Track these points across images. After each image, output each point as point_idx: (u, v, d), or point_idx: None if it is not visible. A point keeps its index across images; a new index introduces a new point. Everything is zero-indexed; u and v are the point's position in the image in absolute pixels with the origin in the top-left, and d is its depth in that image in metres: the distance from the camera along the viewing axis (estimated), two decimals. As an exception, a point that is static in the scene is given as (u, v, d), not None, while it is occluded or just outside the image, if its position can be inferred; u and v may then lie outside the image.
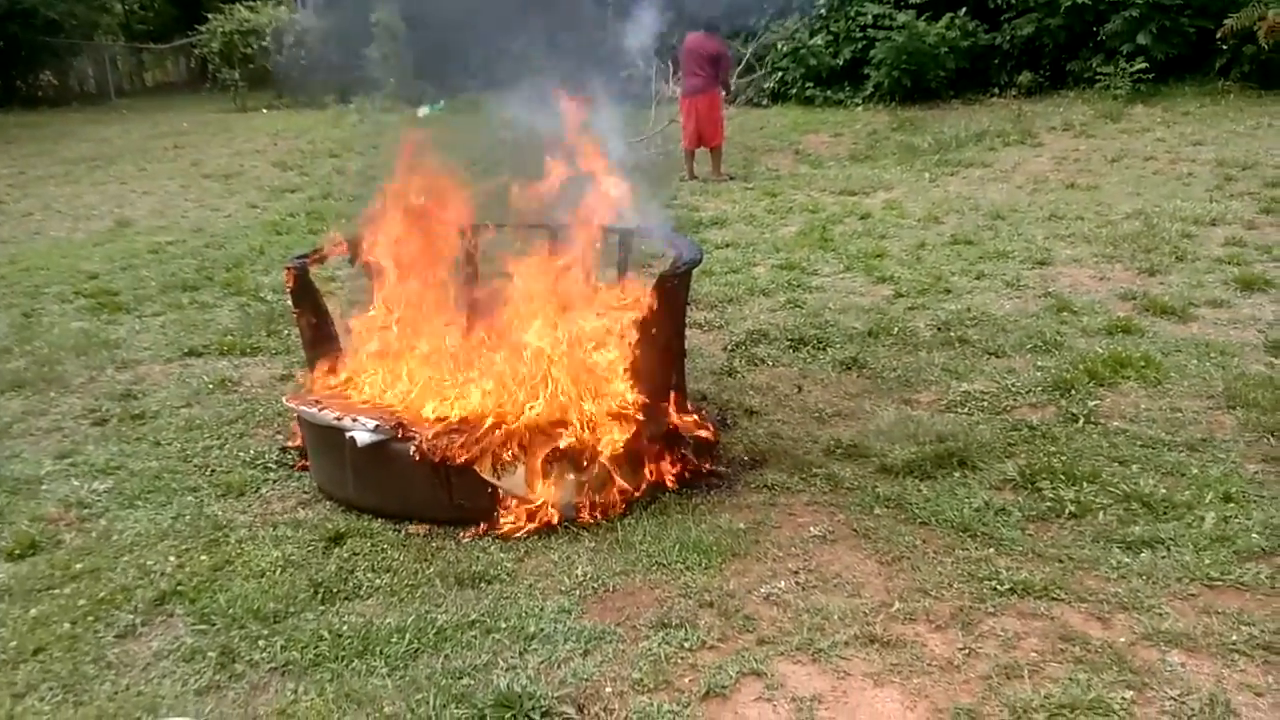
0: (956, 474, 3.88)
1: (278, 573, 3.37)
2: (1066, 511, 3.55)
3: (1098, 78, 13.36)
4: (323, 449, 3.92)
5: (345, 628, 3.03)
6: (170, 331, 6.24)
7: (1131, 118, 12.09)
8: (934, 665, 2.77)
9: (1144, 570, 3.16)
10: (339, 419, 3.74)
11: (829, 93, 15.23)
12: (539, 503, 3.60)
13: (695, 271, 4.05)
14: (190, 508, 3.88)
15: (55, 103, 23.21)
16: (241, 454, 4.38)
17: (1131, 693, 2.61)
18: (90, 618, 3.16)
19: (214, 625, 3.09)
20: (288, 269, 4.27)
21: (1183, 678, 2.67)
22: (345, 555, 3.48)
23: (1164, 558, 3.22)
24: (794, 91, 15.47)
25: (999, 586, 3.10)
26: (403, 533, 3.63)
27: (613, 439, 3.68)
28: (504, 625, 3.02)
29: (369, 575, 3.35)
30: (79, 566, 3.47)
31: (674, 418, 3.94)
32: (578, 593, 3.20)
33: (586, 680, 2.76)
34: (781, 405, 4.70)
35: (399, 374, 4.07)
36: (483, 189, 4.45)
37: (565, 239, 4.25)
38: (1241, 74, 12.67)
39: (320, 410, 3.86)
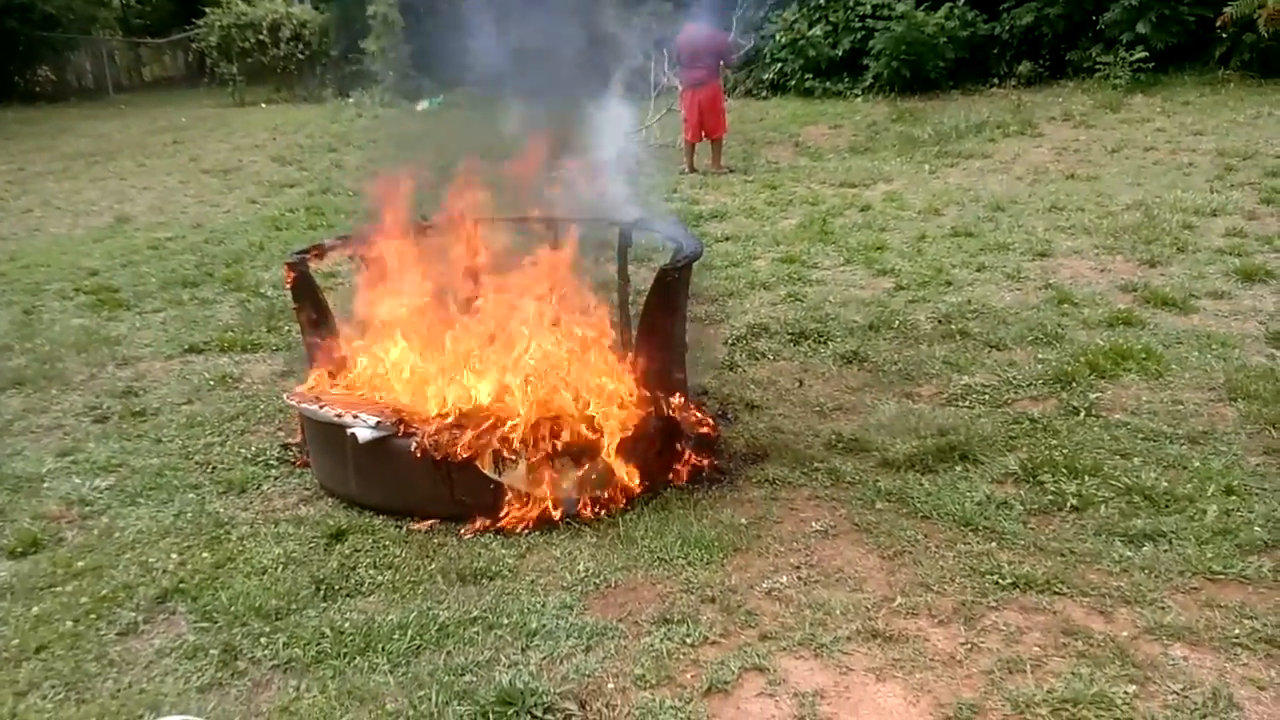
0: (958, 468, 3.88)
1: (279, 570, 3.38)
2: (1068, 505, 3.54)
3: (1097, 67, 13.35)
4: (324, 446, 3.91)
5: (347, 624, 3.04)
6: (171, 328, 6.24)
7: (1131, 107, 12.07)
8: (936, 660, 2.77)
9: (1146, 564, 3.16)
10: (340, 415, 3.74)
11: (828, 84, 15.22)
12: (540, 498, 3.59)
13: (695, 265, 4.04)
14: (192, 505, 3.89)
15: (53, 98, 23.21)
16: (243, 451, 4.38)
17: (1134, 687, 2.61)
18: (92, 615, 3.17)
19: (216, 622, 3.09)
20: (288, 265, 4.26)
21: (1185, 672, 2.67)
22: (347, 552, 3.49)
23: (1166, 551, 3.22)
24: (793, 83, 15.46)
25: (1001, 581, 3.10)
26: (404, 529, 3.63)
27: (614, 434, 3.68)
28: (506, 621, 3.02)
29: (371, 572, 3.36)
30: (81, 564, 3.47)
31: (675, 413, 3.94)
32: (579, 588, 3.20)
33: (589, 676, 2.76)
34: (783, 399, 4.70)
35: (400, 370, 4.06)
36: (481, 183, 4.44)
37: (565, 232, 4.24)
38: (1241, 63, 12.65)
39: (321, 407, 3.86)
